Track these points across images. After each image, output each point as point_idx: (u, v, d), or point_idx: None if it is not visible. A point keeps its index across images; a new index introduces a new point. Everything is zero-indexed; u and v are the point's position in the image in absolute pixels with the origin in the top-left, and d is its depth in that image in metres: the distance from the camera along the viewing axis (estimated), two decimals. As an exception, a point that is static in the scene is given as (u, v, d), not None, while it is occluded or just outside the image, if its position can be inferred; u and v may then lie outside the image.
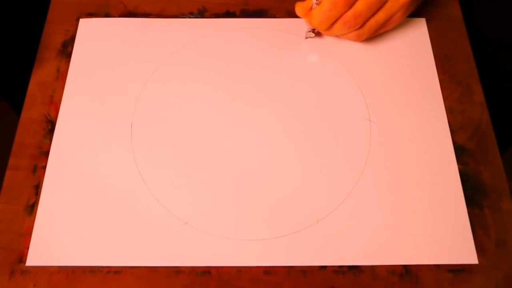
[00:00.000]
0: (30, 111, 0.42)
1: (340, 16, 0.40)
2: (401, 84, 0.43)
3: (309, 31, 0.45)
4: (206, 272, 0.36)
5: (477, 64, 0.44)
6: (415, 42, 0.45)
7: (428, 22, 0.46)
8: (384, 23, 0.42)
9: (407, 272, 0.36)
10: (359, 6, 0.40)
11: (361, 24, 0.41)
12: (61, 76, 0.44)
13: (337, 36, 0.44)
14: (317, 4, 0.40)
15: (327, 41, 0.45)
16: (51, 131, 0.41)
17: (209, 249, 0.36)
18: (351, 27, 0.41)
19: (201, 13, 0.47)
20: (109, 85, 0.43)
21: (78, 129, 0.41)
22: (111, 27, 0.46)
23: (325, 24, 0.41)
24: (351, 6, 0.40)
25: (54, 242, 0.36)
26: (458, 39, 0.46)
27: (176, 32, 0.46)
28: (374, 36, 0.45)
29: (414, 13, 0.47)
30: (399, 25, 0.46)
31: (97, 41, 0.44)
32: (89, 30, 0.46)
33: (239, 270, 0.36)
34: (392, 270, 0.36)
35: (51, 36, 0.46)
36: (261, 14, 0.47)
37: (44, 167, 0.39)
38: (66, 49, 0.45)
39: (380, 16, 0.42)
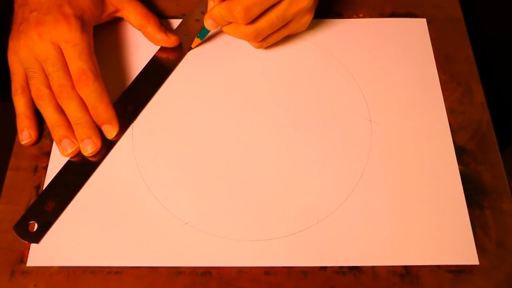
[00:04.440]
0: (31, 112, 0.42)
1: (239, 26, 0.39)
2: (401, 85, 0.43)
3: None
4: (206, 272, 0.36)
5: (477, 65, 0.44)
6: (415, 42, 0.45)
7: (428, 22, 0.46)
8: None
9: (407, 272, 0.36)
10: (261, 25, 0.38)
11: (261, 39, 0.41)
12: (62, 77, 0.44)
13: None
14: None
15: (327, 41, 0.45)
16: (51, 131, 0.41)
17: (210, 250, 0.36)
18: (252, 40, 0.41)
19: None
20: (109, 85, 0.43)
21: (79, 129, 0.41)
22: (112, 27, 0.46)
23: (220, 22, 0.40)
24: (252, 21, 0.38)
25: (54, 242, 0.36)
26: (459, 40, 0.46)
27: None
28: (374, 36, 0.44)
29: (414, 14, 0.47)
30: (400, 26, 0.46)
31: (97, 41, 0.44)
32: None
33: (240, 270, 0.36)
34: (392, 270, 0.36)
35: (52, 36, 0.46)
36: (262, 15, 0.47)
37: (45, 168, 0.39)
38: (67, 50, 0.45)
39: (283, 32, 0.42)
